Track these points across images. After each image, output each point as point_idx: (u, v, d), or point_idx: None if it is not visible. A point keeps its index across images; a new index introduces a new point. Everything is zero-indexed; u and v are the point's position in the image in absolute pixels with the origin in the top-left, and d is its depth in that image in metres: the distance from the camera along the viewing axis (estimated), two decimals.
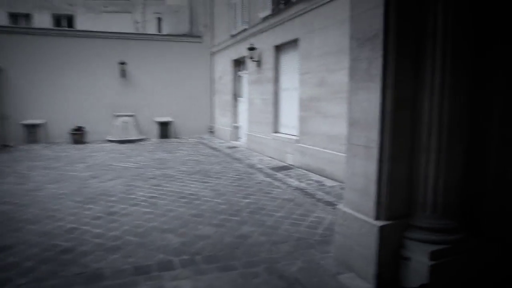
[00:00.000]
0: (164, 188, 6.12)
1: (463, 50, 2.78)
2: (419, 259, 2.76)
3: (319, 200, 5.45)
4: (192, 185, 6.34)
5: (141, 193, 5.80)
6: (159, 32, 16.25)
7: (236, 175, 7.22)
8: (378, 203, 2.90)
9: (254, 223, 4.44)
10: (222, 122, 13.11)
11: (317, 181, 6.51)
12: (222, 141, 12.36)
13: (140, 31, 16.12)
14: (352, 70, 3.11)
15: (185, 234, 4.10)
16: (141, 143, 12.33)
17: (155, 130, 13.33)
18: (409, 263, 2.83)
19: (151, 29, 16.58)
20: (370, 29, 2.87)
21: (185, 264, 3.37)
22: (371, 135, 2.91)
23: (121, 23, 15.66)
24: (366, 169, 2.98)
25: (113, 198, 5.51)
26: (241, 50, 10.73)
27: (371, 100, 2.89)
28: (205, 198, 5.53)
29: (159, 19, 16.69)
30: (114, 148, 11.01)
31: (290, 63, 8.47)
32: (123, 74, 12.85)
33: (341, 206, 3.30)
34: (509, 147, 2.96)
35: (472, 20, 2.81)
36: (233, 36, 11.50)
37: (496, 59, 2.91)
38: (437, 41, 2.73)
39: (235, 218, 4.64)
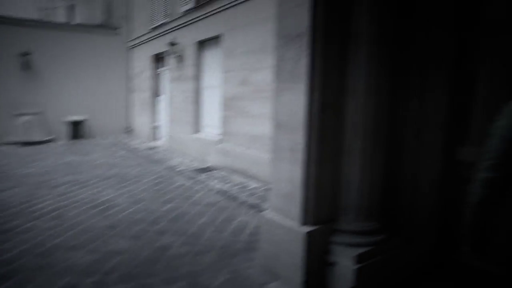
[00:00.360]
0: (73, 197, 5.45)
1: (386, 52, 2.80)
2: (345, 263, 2.72)
3: (243, 203, 5.30)
4: (105, 192, 5.76)
5: (45, 204, 5.08)
6: (72, 21, 14.78)
7: (155, 179, 6.77)
8: (305, 208, 2.81)
9: (175, 232, 4.12)
10: (140, 121, 12.37)
11: (240, 183, 6.36)
12: (141, 141, 11.65)
13: (49, 18, 14.50)
14: (277, 69, 2.97)
15: (96, 250, 3.63)
16: (49, 144, 11.08)
17: (65, 130, 12.07)
18: (335, 268, 2.78)
19: (62, 17, 15.03)
20: (296, 27, 2.75)
21: (95, 287, 2.96)
22: (297, 138, 2.80)
23: (26, 9, 13.96)
24: (292, 174, 2.87)
25: (9, 212, 4.74)
26: (161, 45, 10.17)
27: (297, 102, 2.77)
28: (120, 207, 5.03)
29: (72, 7, 15.21)
30: (14, 152, 9.71)
31: (213, 60, 8.21)
32: (27, 66, 11.38)
33: (266, 213, 3.16)
34: (421, 148, 3.06)
35: (393, 22, 2.84)
36: (153, 29, 10.86)
37: (410, 60, 2.99)
38: (362, 43, 2.71)
39: (154, 227, 4.27)
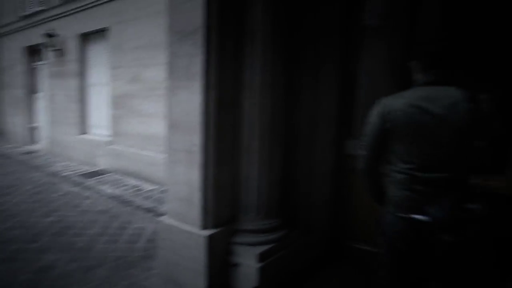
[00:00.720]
0: None
1: (281, 49, 2.83)
2: (248, 263, 2.70)
3: (137, 207, 4.97)
4: None
5: None
6: None
7: (34, 188, 5.95)
8: (205, 211, 2.71)
9: (61, 248, 3.64)
10: (13, 122, 10.78)
11: (134, 186, 5.97)
12: (15, 145, 10.17)
13: None
14: (171, 66, 2.79)
15: None
16: None
17: None
18: (239, 269, 2.74)
19: None
20: (190, 23, 2.61)
21: None
22: (194, 139, 2.67)
23: None
24: (189, 176, 2.73)
25: None
26: (37, 36, 8.95)
27: (192, 101, 2.64)
28: None
29: None
30: None
31: (99, 55, 7.52)
32: None
33: (164, 218, 2.97)
34: (316, 143, 3.22)
35: (287, 21, 2.89)
36: (25, 17, 9.51)
37: (303, 59, 3.10)
38: (257, 40, 2.69)
39: (34, 245, 3.71)
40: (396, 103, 1.79)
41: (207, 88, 2.59)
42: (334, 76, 3.30)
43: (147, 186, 5.92)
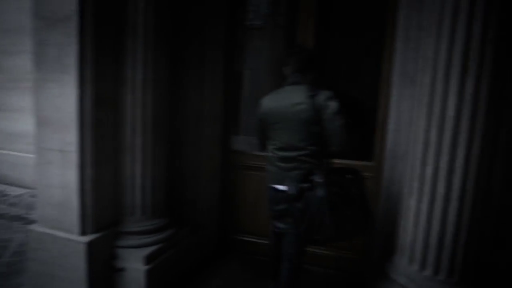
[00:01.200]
0: None
1: (165, 47, 2.75)
2: (134, 266, 2.58)
3: (1, 216, 4.32)
4: None
5: None
6: None
7: None
8: (83, 215, 2.49)
9: None
10: None
11: None
12: None
13: None
14: (38, 56, 2.47)
15: None
16: None
17: None
18: (125, 274, 2.60)
19: None
20: (62, 8, 2.33)
21: None
22: (68, 138, 2.43)
23: None
24: (64, 178, 2.48)
25: None
26: None
27: (65, 96, 2.39)
28: None
29: None
30: None
31: None
32: None
33: (34, 227, 2.64)
34: (202, 141, 3.22)
35: (171, 16, 2.81)
36: None
37: (190, 55, 3.07)
38: (139, 34, 2.56)
39: None
40: (266, 101, 2.31)
41: (83, 82, 2.37)
42: (219, 74, 3.34)
43: (14, 191, 5.17)
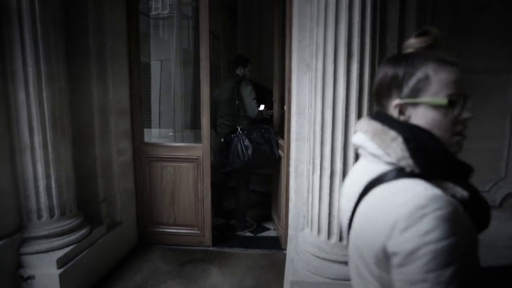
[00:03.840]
0: None
1: (58, 37, 2.58)
2: (46, 272, 2.44)
3: None
4: None
5: None
6: None
7: None
8: None
9: None
10: None
11: None
12: None
13: None
14: None
15: None
16: None
17: None
18: (35, 282, 2.44)
19: None
20: None
21: None
22: None
23: None
24: None
25: None
26: None
27: None
28: None
29: None
30: None
31: None
32: None
33: None
34: (109, 135, 3.12)
35: (62, 5, 2.65)
36: None
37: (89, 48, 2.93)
38: (24, 24, 2.37)
39: None
40: (215, 90, 3.90)
41: None
42: (124, 66, 3.25)
43: None
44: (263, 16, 6.24)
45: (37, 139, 2.49)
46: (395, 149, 0.79)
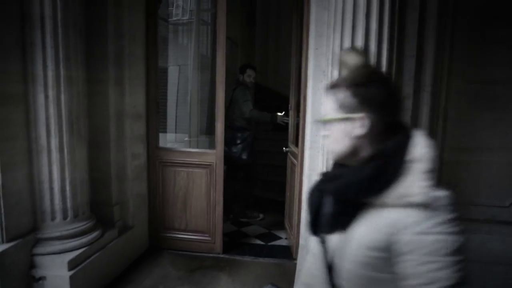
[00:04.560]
0: None
1: (78, 41, 2.62)
2: (57, 274, 2.45)
3: None
4: None
5: None
6: None
7: None
8: None
9: None
10: None
11: None
12: None
13: None
14: None
15: None
16: None
17: None
18: (46, 283, 2.46)
19: None
20: None
21: None
22: None
23: None
24: None
25: None
26: None
27: None
28: None
29: None
30: None
31: None
32: None
33: None
34: (126, 140, 3.15)
35: (84, 10, 2.70)
36: None
37: (108, 53, 2.98)
38: (47, 28, 2.42)
39: None
40: None
41: None
42: (141, 71, 3.29)
43: None
44: (281, 23, 6.25)
45: (54, 141, 2.52)
46: None
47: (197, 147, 5.28)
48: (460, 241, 0.85)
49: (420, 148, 0.89)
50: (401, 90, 2.38)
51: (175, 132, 6.49)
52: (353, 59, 0.98)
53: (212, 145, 5.64)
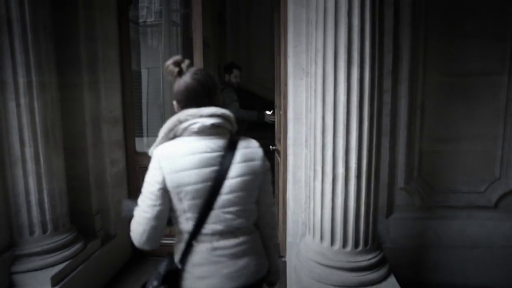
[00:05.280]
0: None
1: (49, 45, 2.51)
2: None
3: None
4: None
5: None
6: None
7: None
8: None
9: None
10: None
11: None
12: None
13: None
14: None
15: None
16: None
17: None
18: None
19: None
20: None
21: None
22: None
23: None
24: None
25: None
26: None
27: None
28: None
29: None
30: None
31: None
32: None
33: None
34: (101, 145, 3.04)
35: (52, 12, 2.58)
36: None
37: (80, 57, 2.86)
38: (15, 31, 2.29)
39: None
40: None
41: None
42: (116, 74, 3.19)
43: None
44: (251, 21, 6.25)
45: (29, 151, 2.40)
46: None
47: None
48: None
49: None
50: (381, 84, 2.44)
51: (147, 136, 6.35)
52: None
53: None
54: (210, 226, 1.37)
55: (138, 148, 3.62)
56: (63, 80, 2.71)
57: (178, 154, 1.32)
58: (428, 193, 2.95)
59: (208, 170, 1.32)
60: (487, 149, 2.89)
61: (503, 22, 2.74)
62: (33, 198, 2.44)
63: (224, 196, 1.34)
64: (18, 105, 2.35)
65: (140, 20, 5.54)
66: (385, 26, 2.55)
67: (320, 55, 2.25)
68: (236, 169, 1.36)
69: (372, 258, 2.37)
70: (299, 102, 2.82)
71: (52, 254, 2.48)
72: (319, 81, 2.27)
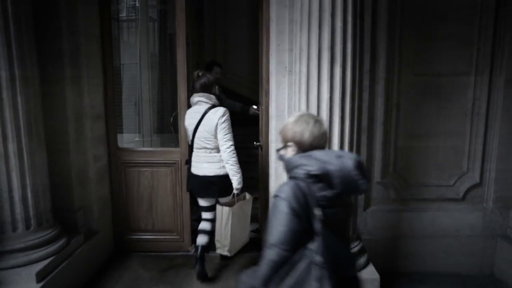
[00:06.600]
0: None
1: (31, 39, 2.46)
2: (26, 287, 2.31)
3: None
4: None
5: None
6: None
7: None
8: None
9: None
10: None
11: None
12: None
13: None
14: None
15: None
16: None
17: None
18: None
19: None
20: None
21: None
22: None
23: None
24: None
25: None
26: None
27: None
28: None
29: None
30: None
31: None
32: None
33: None
34: (83, 142, 3.02)
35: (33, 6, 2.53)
36: None
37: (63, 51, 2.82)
38: None
39: None
40: None
41: None
42: (98, 69, 3.16)
43: None
44: (228, 18, 6.28)
45: (12, 146, 2.36)
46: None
47: (151, 146, 5.18)
48: None
49: None
50: (361, 82, 2.57)
51: (123, 132, 6.27)
52: None
53: (164, 144, 5.56)
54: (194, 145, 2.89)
55: (120, 143, 3.61)
56: (45, 75, 2.67)
57: (188, 112, 2.91)
58: (403, 187, 3.13)
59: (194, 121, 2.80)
60: (456, 145, 3.10)
61: (470, 28, 2.95)
62: (16, 194, 2.41)
63: (198, 133, 2.78)
64: (0, 99, 2.30)
65: (118, 15, 5.47)
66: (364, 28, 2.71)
67: (304, 54, 2.35)
68: (203, 121, 2.75)
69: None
70: (281, 99, 2.91)
71: (36, 250, 2.45)
72: (303, 79, 2.38)
